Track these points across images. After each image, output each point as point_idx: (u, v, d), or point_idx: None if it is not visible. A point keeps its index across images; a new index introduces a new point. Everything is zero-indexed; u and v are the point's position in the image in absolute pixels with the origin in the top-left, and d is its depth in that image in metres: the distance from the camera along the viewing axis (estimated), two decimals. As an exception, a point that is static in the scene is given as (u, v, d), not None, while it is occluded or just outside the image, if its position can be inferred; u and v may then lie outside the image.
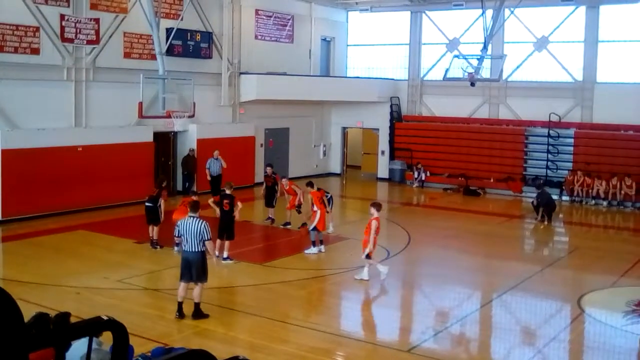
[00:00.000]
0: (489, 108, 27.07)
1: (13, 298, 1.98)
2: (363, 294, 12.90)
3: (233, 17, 24.70)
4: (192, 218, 10.89)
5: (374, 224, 12.90)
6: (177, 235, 11.28)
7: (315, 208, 15.37)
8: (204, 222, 10.88)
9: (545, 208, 20.12)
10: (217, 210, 14.68)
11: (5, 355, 1.97)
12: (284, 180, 18.16)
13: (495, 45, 24.69)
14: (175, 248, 14.67)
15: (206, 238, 10.75)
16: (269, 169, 19.03)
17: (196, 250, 10.73)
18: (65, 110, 19.64)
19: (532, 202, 20.83)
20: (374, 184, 28.30)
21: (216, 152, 21.50)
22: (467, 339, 10.86)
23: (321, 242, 15.47)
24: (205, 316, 10.76)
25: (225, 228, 14.24)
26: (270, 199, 18.60)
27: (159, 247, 15.41)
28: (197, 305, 10.78)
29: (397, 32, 29.13)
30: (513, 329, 11.42)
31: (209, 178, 21.31)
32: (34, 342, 2.20)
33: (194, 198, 14.61)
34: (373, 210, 13.06)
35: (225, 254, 14.30)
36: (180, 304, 10.80)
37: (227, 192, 14.64)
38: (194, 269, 10.75)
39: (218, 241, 13.90)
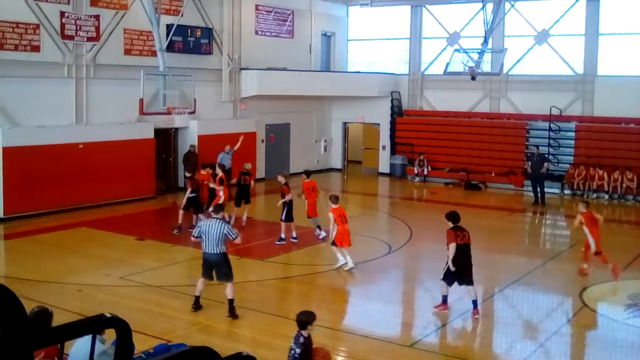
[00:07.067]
0: (489, 102, 27.04)
1: (17, 296, 1.98)
2: (365, 290, 12.92)
3: (233, 12, 24.67)
4: (214, 220, 10.87)
5: (331, 215, 13.40)
6: (196, 235, 11.01)
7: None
8: (226, 224, 10.94)
9: (534, 170, 22.23)
10: (213, 185, 16.92)
11: (11, 354, 1.98)
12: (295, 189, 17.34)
13: (495, 39, 24.68)
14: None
15: (232, 238, 10.75)
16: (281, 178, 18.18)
17: (215, 252, 10.65)
18: (66, 107, 19.64)
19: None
20: (375, 179, 28.29)
21: (227, 147, 21.64)
22: (469, 334, 10.88)
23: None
24: (236, 316, 10.68)
25: (243, 195, 17.56)
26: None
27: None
28: (231, 301, 10.73)
29: (398, 27, 29.08)
30: (515, 323, 11.43)
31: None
32: (38, 340, 2.21)
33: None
34: (330, 203, 13.69)
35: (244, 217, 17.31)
36: (197, 298, 10.86)
37: (246, 170, 17.95)
38: (217, 271, 10.75)
39: (236, 209, 17.59)
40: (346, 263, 13.43)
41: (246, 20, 25.39)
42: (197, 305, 10.93)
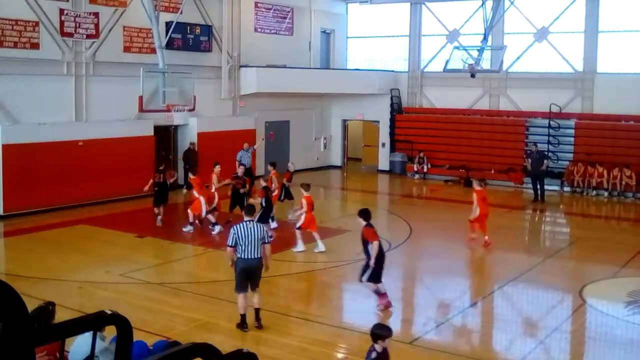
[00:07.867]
0: (489, 99, 27.04)
1: (18, 293, 1.98)
2: (364, 286, 12.90)
3: (232, 10, 24.65)
4: (251, 222, 10.00)
5: (304, 201, 14.43)
6: (232, 244, 9.85)
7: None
8: (263, 225, 10.38)
9: (534, 168, 22.46)
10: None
11: (13, 351, 1.98)
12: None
13: (495, 36, 24.66)
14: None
15: (266, 241, 10.03)
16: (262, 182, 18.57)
17: (259, 256, 9.89)
18: (65, 104, 19.63)
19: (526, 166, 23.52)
20: (374, 176, 28.30)
21: (246, 144, 21.57)
22: (469, 331, 10.89)
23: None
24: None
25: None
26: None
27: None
28: (258, 310, 10.14)
29: (397, 24, 29.06)
30: (515, 320, 11.44)
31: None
32: (39, 337, 2.21)
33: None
34: (302, 190, 14.68)
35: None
36: (243, 316, 10.00)
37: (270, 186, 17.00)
38: (254, 277, 10.01)
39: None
40: (302, 250, 14.53)
41: (245, 18, 25.37)
42: (244, 324, 9.98)
